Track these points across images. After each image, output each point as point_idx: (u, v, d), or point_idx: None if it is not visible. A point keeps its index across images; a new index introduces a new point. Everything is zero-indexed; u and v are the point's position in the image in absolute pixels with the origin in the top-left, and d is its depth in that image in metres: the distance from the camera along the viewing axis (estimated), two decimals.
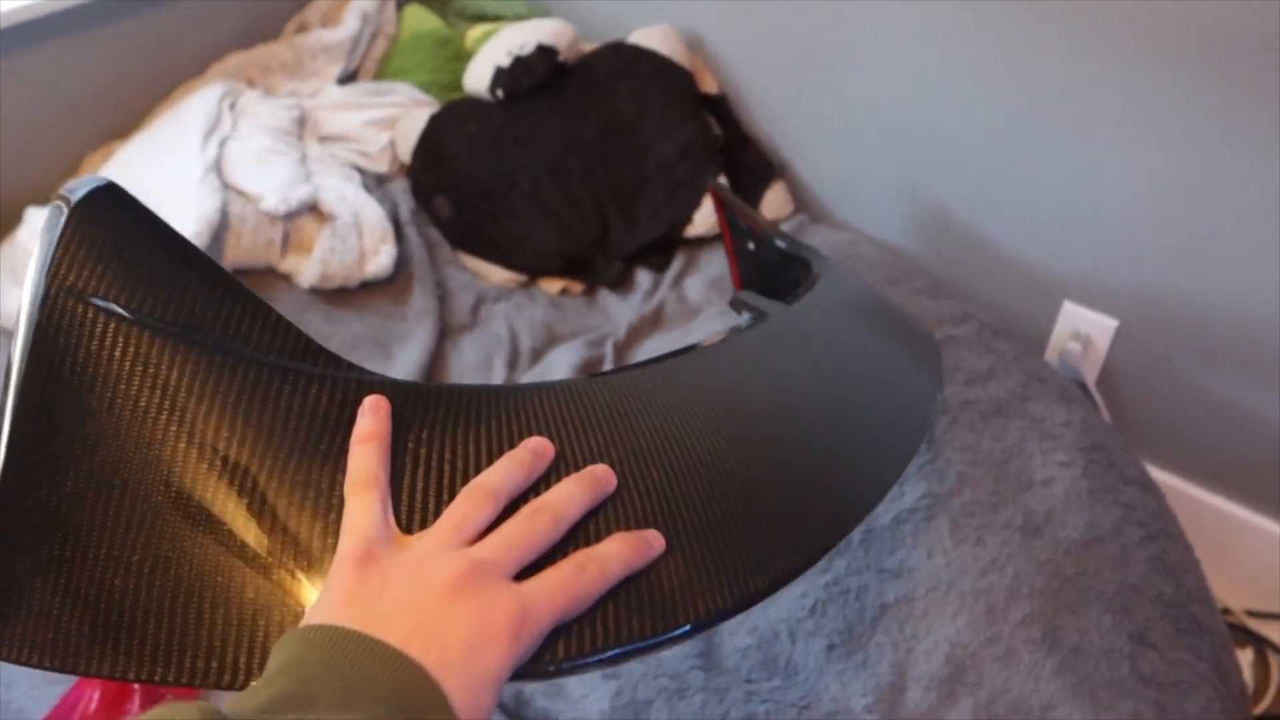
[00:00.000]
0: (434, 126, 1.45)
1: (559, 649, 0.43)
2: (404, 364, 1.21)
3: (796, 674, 0.80)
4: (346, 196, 1.35)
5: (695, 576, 0.48)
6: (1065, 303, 1.32)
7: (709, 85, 1.52)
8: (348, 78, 1.63)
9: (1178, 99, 1.10)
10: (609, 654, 0.44)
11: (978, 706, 0.77)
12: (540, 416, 0.52)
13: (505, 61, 1.45)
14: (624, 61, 1.48)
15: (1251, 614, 1.32)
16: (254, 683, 0.37)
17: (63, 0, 1.37)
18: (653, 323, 1.29)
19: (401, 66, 1.63)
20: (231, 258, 1.30)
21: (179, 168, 1.33)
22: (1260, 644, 1.29)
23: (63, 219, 0.48)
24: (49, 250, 0.47)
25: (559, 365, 1.19)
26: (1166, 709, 0.78)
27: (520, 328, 1.30)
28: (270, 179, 1.33)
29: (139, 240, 0.50)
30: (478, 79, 1.49)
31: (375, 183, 1.46)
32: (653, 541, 0.48)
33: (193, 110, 1.41)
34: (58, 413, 0.45)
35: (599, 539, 0.47)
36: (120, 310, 0.47)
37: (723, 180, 1.42)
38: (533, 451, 0.49)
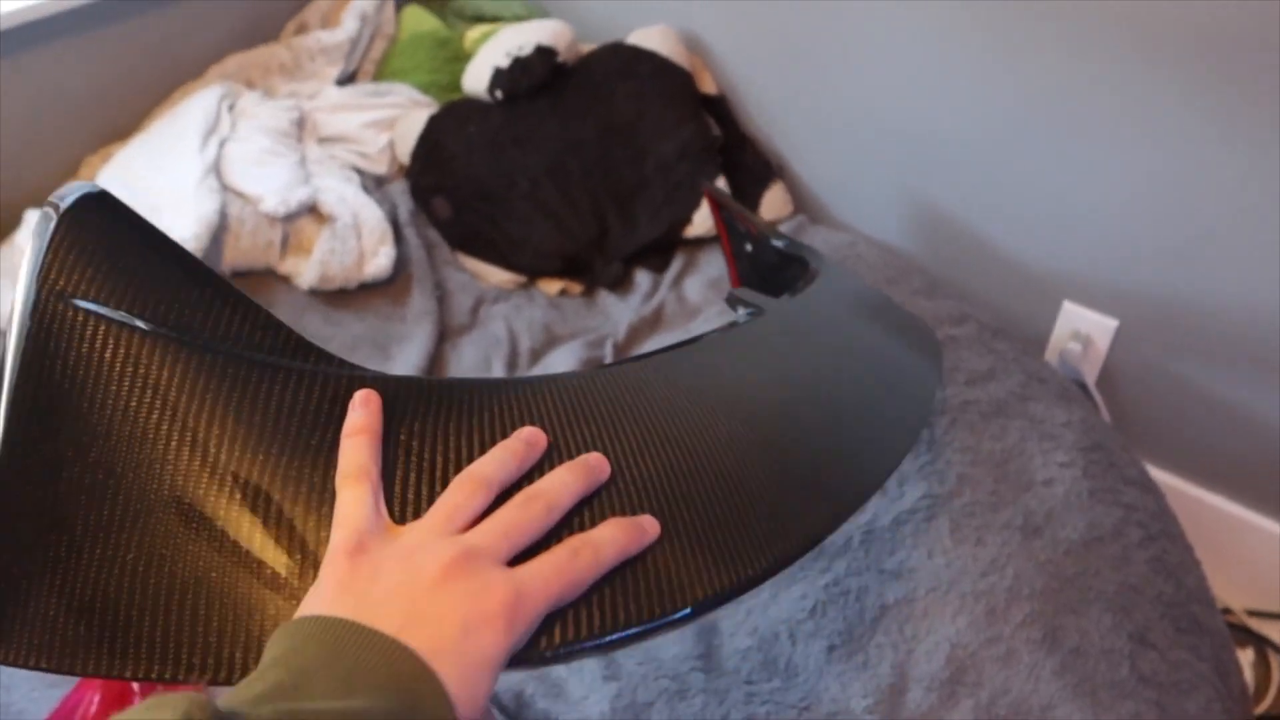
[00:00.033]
0: (433, 127, 1.45)
1: (555, 634, 0.43)
2: (403, 365, 1.21)
3: (797, 675, 0.80)
4: (346, 198, 1.35)
5: (693, 559, 0.48)
6: (1065, 303, 1.32)
7: (708, 86, 1.52)
8: (347, 79, 1.63)
9: (1176, 99, 1.10)
10: (608, 638, 0.44)
11: (978, 707, 0.77)
12: (533, 408, 0.52)
13: (504, 62, 1.45)
14: (623, 62, 1.48)
15: (1252, 613, 1.32)
16: (249, 676, 0.37)
17: (61, 2, 1.37)
18: (652, 324, 1.29)
19: (400, 67, 1.63)
20: (230, 259, 1.30)
21: (178, 169, 1.33)
22: (1261, 644, 1.29)
23: (52, 225, 0.48)
24: (38, 256, 0.47)
25: (558, 366, 1.19)
26: (1167, 709, 0.78)
27: (519, 329, 1.30)
28: (269, 180, 1.33)
29: (128, 245, 0.50)
30: (476, 80, 1.49)
31: (374, 184, 1.46)
32: (647, 527, 0.47)
33: (192, 112, 1.41)
34: (51, 416, 0.45)
35: (593, 526, 0.47)
36: (110, 313, 0.47)
37: (721, 182, 1.42)
38: (525, 441, 0.49)
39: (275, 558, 0.44)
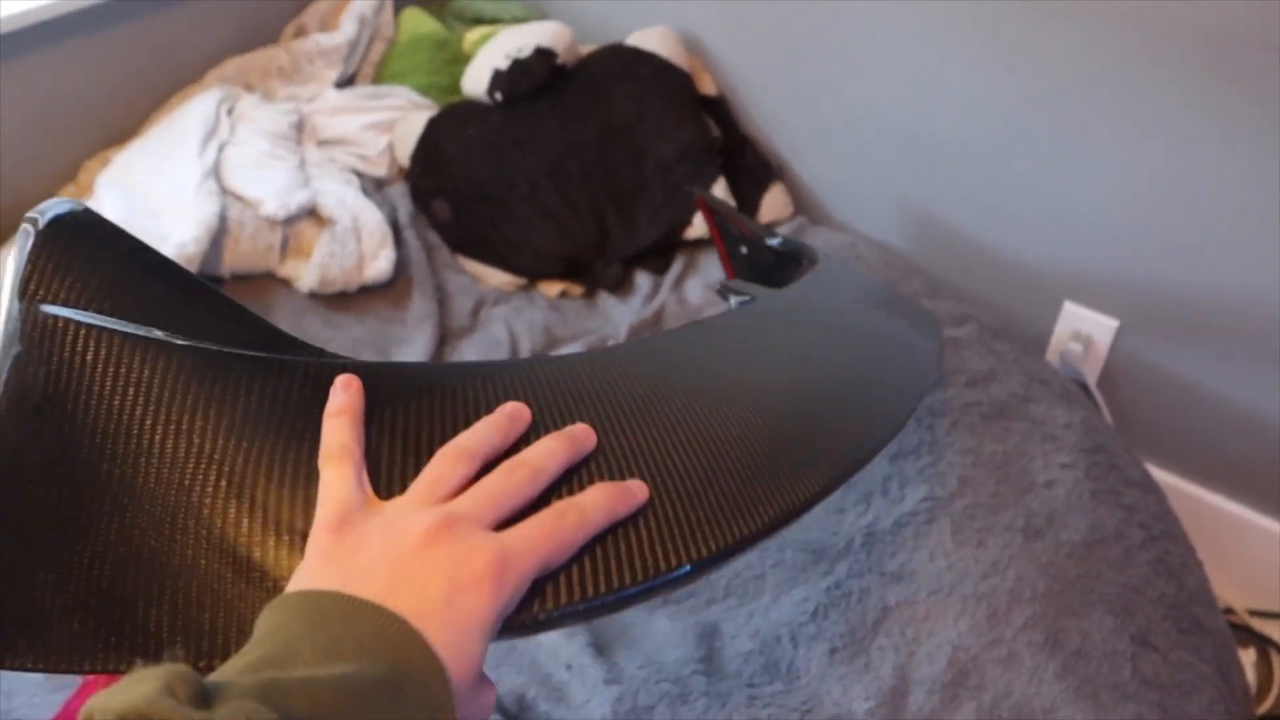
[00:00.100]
0: (432, 130, 1.45)
1: (548, 597, 0.43)
2: None
3: (798, 678, 0.80)
4: (345, 201, 1.35)
5: (689, 519, 0.48)
6: (1066, 303, 1.32)
7: (707, 87, 1.52)
8: (346, 81, 1.62)
9: (1176, 99, 1.10)
10: (605, 599, 0.44)
11: (980, 710, 0.76)
12: (516, 388, 0.53)
13: (503, 64, 1.45)
14: (622, 63, 1.48)
15: (1254, 613, 1.32)
16: (238, 652, 0.37)
17: (60, 6, 1.37)
18: (653, 325, 1.29)
19: (399, 70, 1.63)
20: (230, 263, 1.30)
21: (177, 173, 1.33)
22: (1263, 643, 1.29)
23: (30, 240, 0.49)
24: (19, 269, 0.49)
25: None
26: (1169, 711, 0.78)
27: (520, 331, 1.29)
28: (269, 184, 1.33)
29: (106, 254, 0.52)
30: (476, 82, 1.49)
31: (374, 186, 1.46)
32: (635, 490, 0.47)
33: (191, 116, 1.41)
34: (38, 420, 0.46)
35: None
36: (89, 318, 0.48)
37: (721, 183, 1.42)
38: (508, 415, 0.49)
39: (264, 541, 0.44)
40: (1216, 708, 0.81)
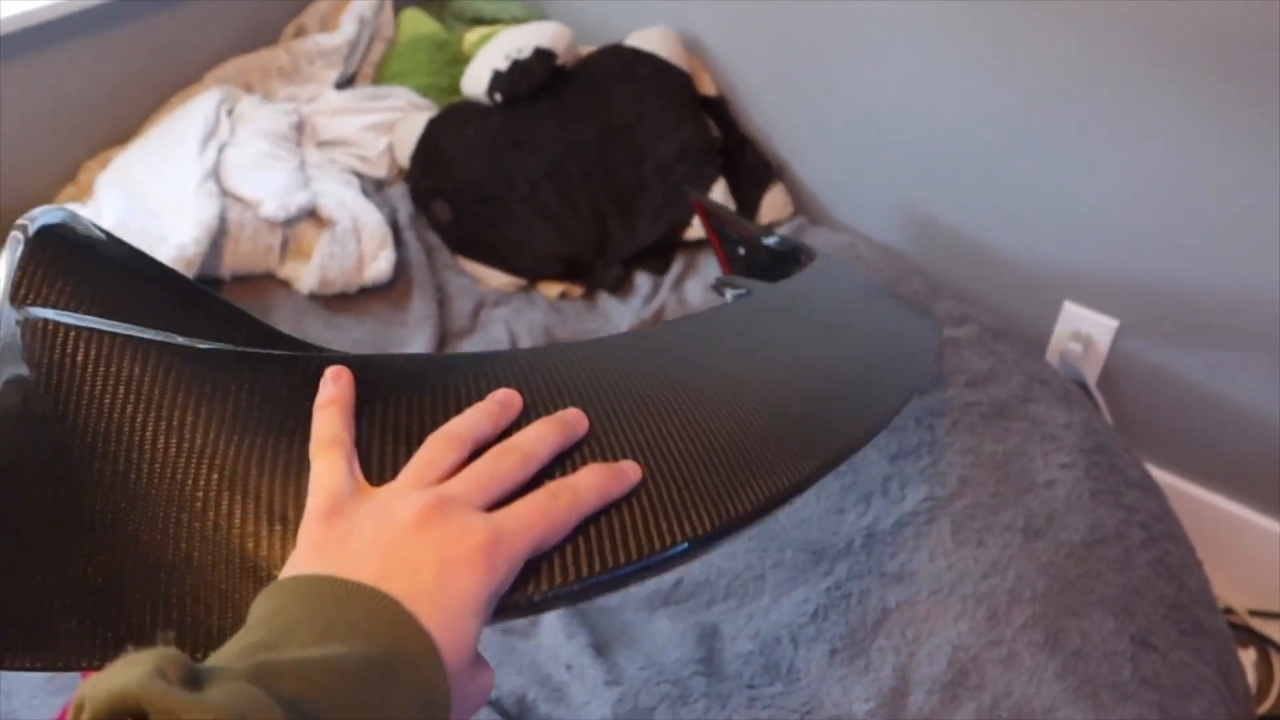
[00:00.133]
0: (432, 130, 1.45)
1: (543, 578, 0.43)
2: None
3: (799, 679, 0.80)
4: (345, 202, 1.35)
5: (684, 498, 0.48)
6: (1065, 303, 1.32)
7: (707, 87, 1.52)
8: (345, 82, 1.63)
9: (1176, 99, 1.10)
10: (602, 578, 0.44)
11: (980, 710, 0.76)
12: (507, 376, 0.53)
13: (503, 65, 1.45)
14: (622, 64, 1.48)
15: (1254, 613, 1.32)
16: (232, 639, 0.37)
17: (60, 7, 1.37)
18: (653, 326, 1.29)
19: (399, 70, 1.63)
20: (230, 264, 1.30)
21: (177, 174, 1.33)
22: (1263, 644, 1.29)
23: (20, 247, 0.50)
24: (8, 275, 0.49)
25: None
26: (1169, 711, 0.78)
27: (520, 331, 1.29)
28: (269, 185, 1.33)
29: (96, 258, 0.53)
30: (475, 82, 1.49)
31: (374, 187, 1.46)
32: (628, 471, 0.47)
33: (191, 116, 1.41)
34: (31, 422, 0.46)
35: None
36: (78, 320, 0.48)
37: (721, 184, 1.42)
38: (499, 402, 0.49)
39: (257, 532, 0.45)
40: (1217, 709, 0.81)
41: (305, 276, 1.30)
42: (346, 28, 1.61)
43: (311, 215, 1.34)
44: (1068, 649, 0.80)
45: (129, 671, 0.30)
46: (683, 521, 0.47)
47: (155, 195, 1.32)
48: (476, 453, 0.46)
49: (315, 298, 1.31)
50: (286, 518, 0.44)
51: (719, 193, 1.42)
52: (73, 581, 0.44)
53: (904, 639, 0.81)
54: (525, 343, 1.28)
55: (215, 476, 0.45)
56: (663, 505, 0.47)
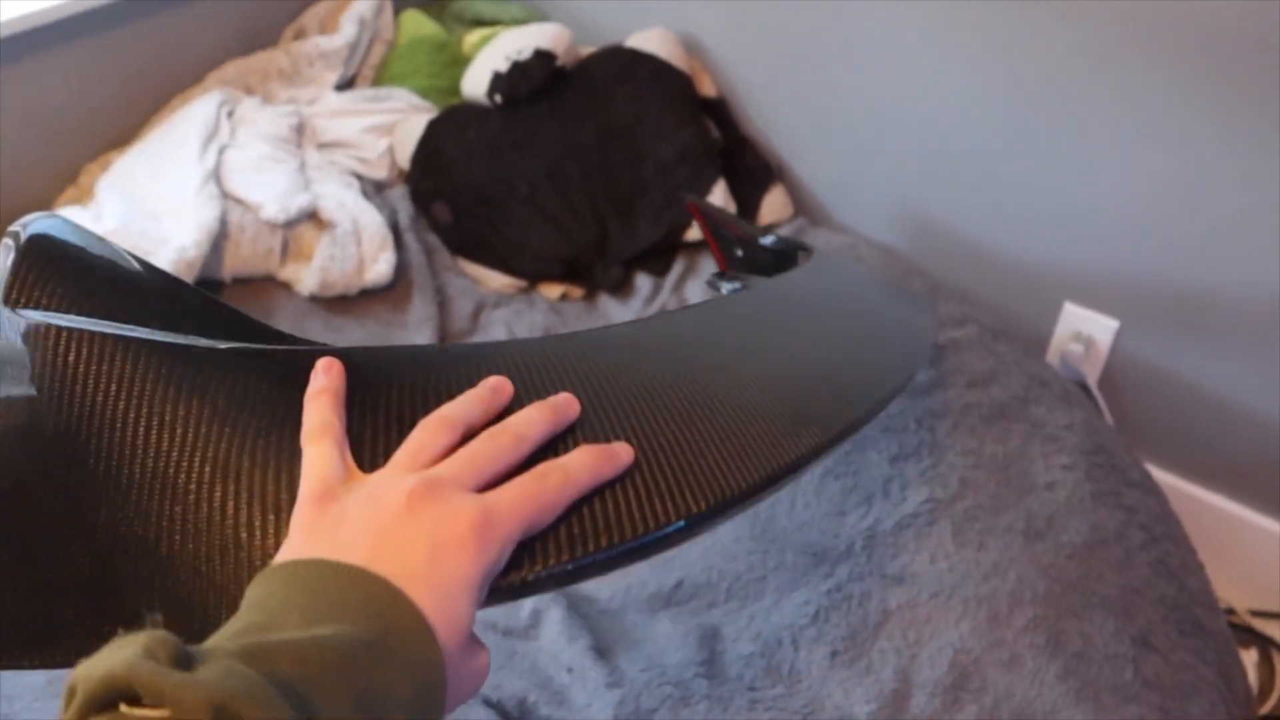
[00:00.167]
0: (432, 132, 1.45)
1: (537, 558, 0.43)
2: None
3: (800, 681, 0.80)
4: (345, 204, 1.35)
5: (680, 476, 0.48)
6: (1066, 304, 1.32)
7: (707, 88, 1.52)
8: (346, 84, 1.63)
9: (1176, 98, 1.10)
10: (597, 557, 0.44)
11: (982, 712, 0.76)
12: (498, 365, 0.53)
13: (503, 66, 1.45)
14: (622, 65, 1.48)
15: (1255, 613, 1.32)
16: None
17: (60, 10, 1.37)
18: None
19: (399, 72, 1.63)
20: (231, 266, 1.30)
21: (178, 177, 1.33)
22: (1265, 644, 1.29)
23: (12, 253, 0.51)
24: (1, 281, 0.51)
25: None
26: (1170, 713, 0.78)
27: (520, 333, 1.30)
28: (269, 187, 1.33)
29: (86, 262, 0.54)
30: (476, 84, 1.49)
31: (374, 189, 1.46)
32: (620, 452, 0.47)
33: (191, 119, 1.41)
34: (27, 423, 0.47)
35: None
36: (69, 321, 0.49)
37: (720, 186, 1.42)
38: (490, 388, 0.49)
39: (250, 521, 0.45)
40: (1218, 709, 0.81)
41: (306, 279, 1.30)
42: (346, 30, 1.61)
43: (312, 217, 1.34)
44: (1069, 651, 0.80)
45: (119, 654, 0.31)
46: (679, 499, 0.47)
47: (156, 198, 1.32)
48: (468, 438, 0.46)
49: (316, 300, 1.31)
50: (280, 506, 0.45)
51: (719, 194, 1.42)
52: (70, 578, 0.45)
53: (905, 641, 0.81)
54: None
55: (208, 469, 0.46)
56: (658, 484, 0.47)
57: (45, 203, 1.43)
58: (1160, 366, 1.27)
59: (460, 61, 1.62)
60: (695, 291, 1.34)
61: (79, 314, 0.50)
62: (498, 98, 1.45)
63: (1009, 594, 0.83)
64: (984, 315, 1.18)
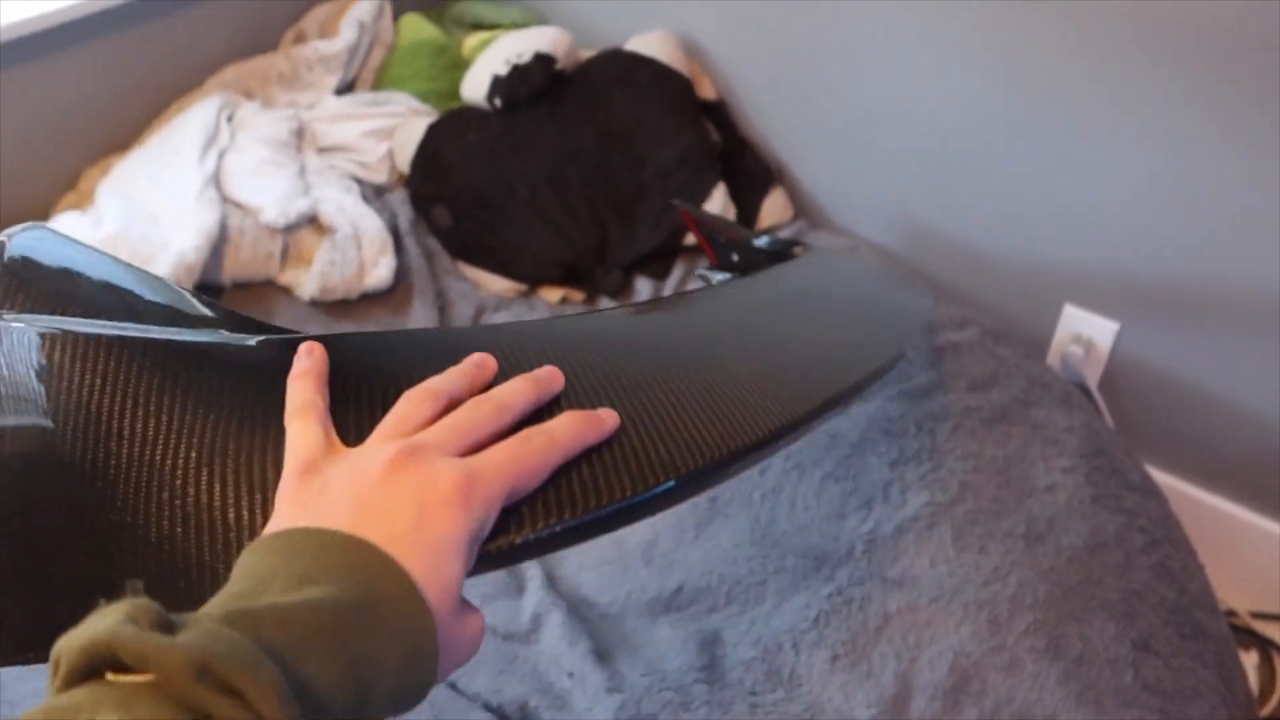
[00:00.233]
0: (432, 136, 1.45)
1: (525, 522, 0.43)
2: None
3: (800, 685, 0.80)
4: (345, 208, 1.35)
5: (670, 438, 0.48)
6: (1066, 306, 1.32)
7: (707, 91, 1.52)
8: (345, 88, 1.63)
9: (1176, 99, 1.10)
10: (582, 521, 0.44)
11: (982, 715, 0.77)
12: (482, 345, 0.53)
13: (503, 70, 1.45)
14: (622, 69, 1.48)
15: (1256, 615, 1.31)
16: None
17: (60, 14, 1.37)
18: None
19: (399, 76, 1.63)
20: (231, 271, 1.30)
21: (177, 181, 1.33)
22: (1265, 646, 1.29)
23: None
24: None
25: None
26: (1171, 716, 0.78)
27: None
28: (269, 191, 1.33)
29: (72, 266, 0.56)
30: (475, 88, 1.49)
31: (374, 193, 1.46)
32: (605, 417, 0.47)
33: (191, 123, 1.41)
34: (14, 424, 0.48)
35: None
36: (54, 322, 0.50)
37: (720, 189, 1.42)
38: (474, 363, 0.49)
39: (237, 502, 0.45)
40: (1219, 713, 0.81)
41: (306, 283, 1.30)
42: (346, 33, 1.61)
43: (312, 222, 1.34)
44: (1069, 655, 0.80)
45: (101, 622, 0.31)
46: (669, 460, 0.47)
47: (156, 202, 1.32)
48: (452, 410, 0.46)
49: (316, 304, 1.31)
50: (266, 485, 0.45)
51: (719, 197, 1.42)
52: (70, 576, 0.45)
53: (905, 645, 0.81)
54: None
55: (194, 454, 0.46)
56: (646, 447, 0.47)
57: (45, 207, 1.43)
58: (1161, 368, 1.27)
59: (460, 65, 1.62)
60: None
61: (65, 313, 0.51)
62: (497, 101, 1.45)
63: (1009, 598, 0.83)
64: (984, 318, 1.18)
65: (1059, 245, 1.28)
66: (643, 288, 1.37)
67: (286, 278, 1.32)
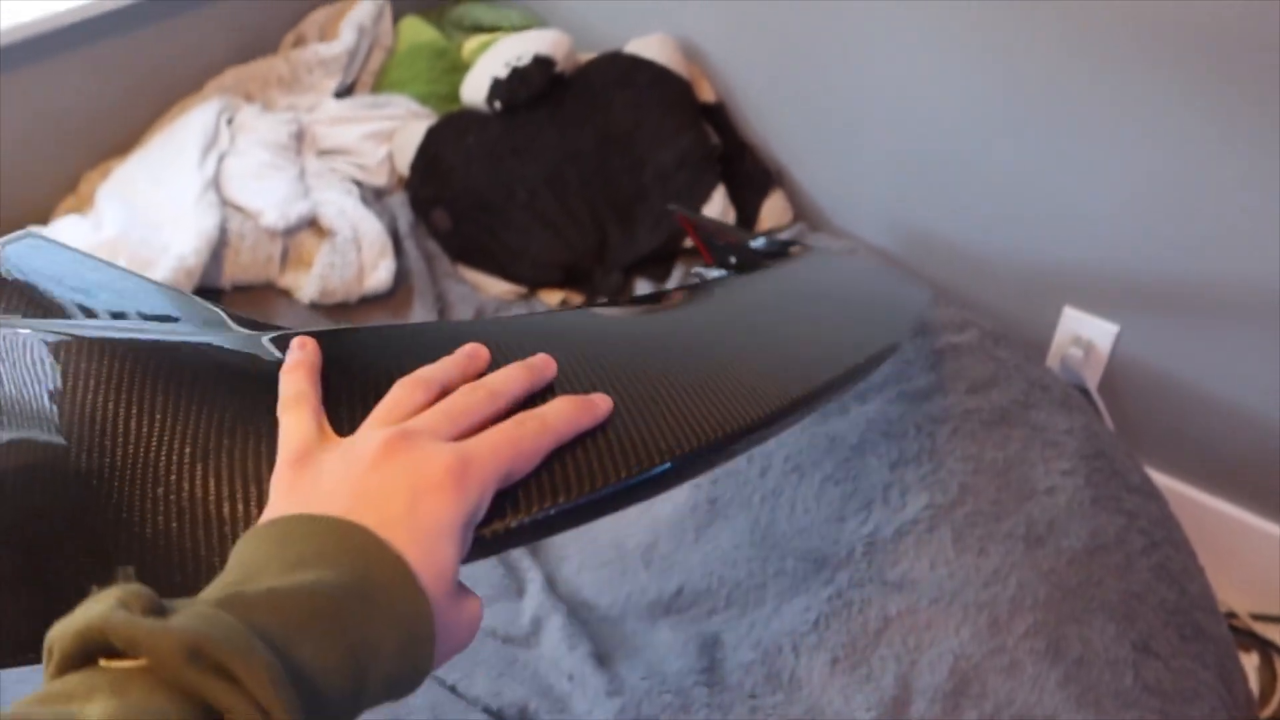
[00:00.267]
0: (432, 139, 1.45)
1: (520, 505, 0.43)
2: None
3: (800, 688, 0.80)
4: (345, 211, 1.35)
5: (665, 421, 0.48)
6: (1066, 308, 1.32)
7: (706, 94, 1.52)
8: (345, 91, 1.63)
9: (1176, 99, 1.10)
10: (576, 504, 0.44)
11: (983, 718, 0.76)
12: (477, 337, 0.53)
13: (502, 73, 1.45)
14: (621, 71, 1.48)
15: (1256, 617, 1.31)
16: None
17: (59, 18, 1.37)
18: None
19: (399, 78, 1.63)
20: (231, 274, 1.30)
21: (177, 185, 1.33)
22: (1265, 647, 1.29)
23: None
24: None
25: None
26: (1171, 718, 0.78)
27: None
28: (269, 195, 1.33)
29: (64, 273, 0.57)
30: (475, 90, 1.49)
31: (374, 196, 1.46)
32: (599, 402, 0.47)
33: (191, 126, 1.41)
34: (10, 429, 0.49)
35: None
36: (46, 326, 0.51)
37: (720, 191, 1.42)
38: (466, 353, 0.49)
39: (232, 495, 0.45)
40: (1219, 714, 0.81)
41: (306, 286, 1.30)
42: (345, 36, 1.61)
43: (312, 225, 1.34)
44: (1070, 657, 0.80)
45: (93, 608, 0.31)
46: (664, 442, 0.47)
47: (156, 206, 1.32)
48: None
49: (316, 307, 1.31)
50: (260, 478, 0.45)
51: (719, 200, 1.42)
52: (69, 577, 0.45)
53: (905, 647, 0.81)
54: None
55: (188, 449, 0.46)
56: (641, 430, 0.47)
57: (45, 211, 1.43)
58: (1161, 370, 1.27)
59: (460, 68, 1.62)
60: None
61: (55, 317, 0.52)
62: (497, 104, 1.45)
63: (1009, 600, 0.83)
64: (984, 320, 1.18)
65: (1059, 247, 1.28)
66: (642, 290, 1.37)
67: (286, 281, 1.32)
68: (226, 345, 0.52)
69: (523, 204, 1.40)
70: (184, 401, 0.48)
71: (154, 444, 0.47)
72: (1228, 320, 1.18)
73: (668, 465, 0.46)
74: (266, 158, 1.38)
